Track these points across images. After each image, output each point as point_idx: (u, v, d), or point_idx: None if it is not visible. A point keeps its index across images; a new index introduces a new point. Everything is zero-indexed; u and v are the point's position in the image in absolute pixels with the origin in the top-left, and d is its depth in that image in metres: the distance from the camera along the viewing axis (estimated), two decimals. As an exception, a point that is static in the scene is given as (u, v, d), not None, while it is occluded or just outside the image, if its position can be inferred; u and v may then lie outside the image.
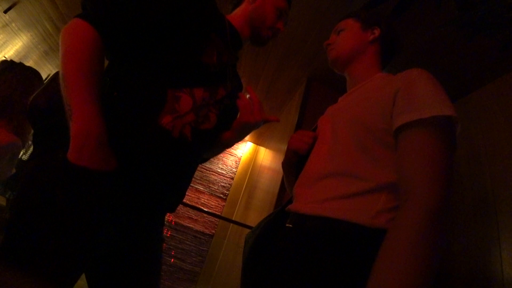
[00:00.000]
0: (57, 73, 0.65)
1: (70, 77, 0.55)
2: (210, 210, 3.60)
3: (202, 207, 3.59)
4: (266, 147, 3.48)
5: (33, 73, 1.39)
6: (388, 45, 0.87)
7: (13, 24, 2.83)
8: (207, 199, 3.71)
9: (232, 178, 3.93)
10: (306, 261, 0.60)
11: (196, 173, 3.72)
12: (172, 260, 3.29)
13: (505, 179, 1.59)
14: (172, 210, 0.76)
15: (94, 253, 0.57)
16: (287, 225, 0.71)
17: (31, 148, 2.78)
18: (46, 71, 3.45)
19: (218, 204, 3.73)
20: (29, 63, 3.29)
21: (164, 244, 3.24)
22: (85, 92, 0.55)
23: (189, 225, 3.48)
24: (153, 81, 0.65)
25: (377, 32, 0.86)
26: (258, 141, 3.99)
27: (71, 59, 0.56)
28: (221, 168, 3.91)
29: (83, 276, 0.64)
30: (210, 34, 0.75)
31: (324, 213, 0.62)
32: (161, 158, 0.63)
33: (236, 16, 0.90)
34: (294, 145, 0.82)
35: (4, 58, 2.73)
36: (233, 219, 3.44)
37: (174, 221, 3.45)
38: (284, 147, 1.18)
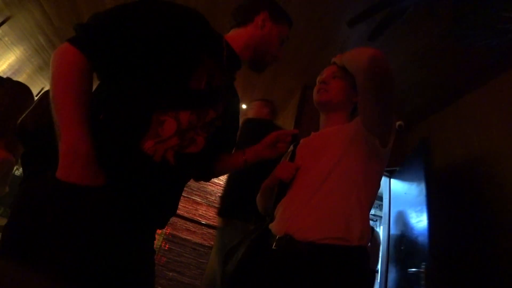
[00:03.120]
0: (44, 94, 0.67)
1: (59, 99, 0.58)
2: (208, 222, 3.55)
3: (200, 219, 3.55)
4: (263, 156, 3.46)
5: (24, 89, 1.39)
6: (356, 108, 1.08)
7: (6, 38, 2.82)
8: (205, 211, 3.66)
9: (230, 188, 3.89)
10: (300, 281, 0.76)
11: (193, 184, 3.68)
12: (171, 274, 3.23)
13: (501, 178, 1.60)
14: (162, 227, 0.77)
15: (93, 267, 0.57)
16: (273, 247, 0.83)
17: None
18: (39, 84, 3.44)
19: (216, 215, 3.68)
20: (22, 76, 3.28)
21: (164, 258, 3.20)
22: (73, 112, 0.57)
23: (187, 237, 3.42)
24: (138, 105, 0.67)
25: (356, 99, 1.06)
26: (254, 150, 3.97)
27: (59, 82, 0.59)
28: (219, 179, 3.88)
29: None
30: (200, 57, 0.75)
31: (312, 238, 0.79)
32: (143, 181, 0.65)
33: (238, 37, 0.88)
34: (281, 174, 0.96)
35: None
36: (231, 229, 3.40)
37: (172, 234, 3.39)
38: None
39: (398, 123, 2.05)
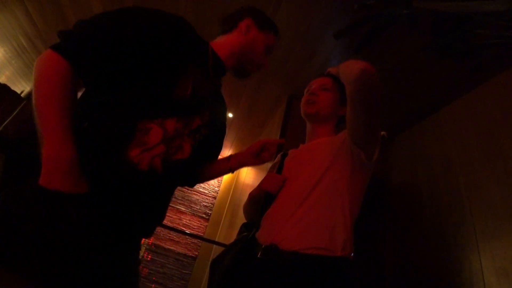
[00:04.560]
0: (25, 104, 0.65)
1: (42, 106, 0.57)
2: (192, 231, 3.48)
3: (184, 228, 3.47)
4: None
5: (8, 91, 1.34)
6: (343, 121, 1.10)
7: (-15, 40, 2.73)
8: (189, 220, 3.59)
9: (215, 198, 3.85)
10: None
11: (178, 193, 3.62)
12: (153, 285, 3.12)
13: (479, 187, 1.66)
14: (148, 236, 0.76)
15: (74, 276, 0.55)
16: (259, 256, 0.84)
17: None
18: (19, 87, 3.32)
19: (201, 224, 3.62)
20: (1, 78, 3.17)
21: (146, 269, 3.10)
22: (56, 119, 0.57)
23: (170, 247, 3.34)
24: (124, 113, 0.66)
25: (344, 111, 1.07)
26: (241, 159, 3.95)
27: (42, 89, 0.58)
28: (203, 188, 3.83)
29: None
30: (187, 66, 0.75)
31: (296, 247, 0.80)
32: (129, 190, 0.64)
33: (224, 44, 0.89)
34: (268, 186, 0.98)
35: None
36: (216, 239, 3.34)
37: (155, 244, 3.30)
38: (267, 165, 1.21)
39: (381, 133, 2.11)
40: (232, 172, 0.99)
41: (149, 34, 0.68)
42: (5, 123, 0.57)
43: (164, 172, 0.68)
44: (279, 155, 1.15)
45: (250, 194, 1.10)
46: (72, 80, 0.61)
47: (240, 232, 1.08)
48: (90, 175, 0.59)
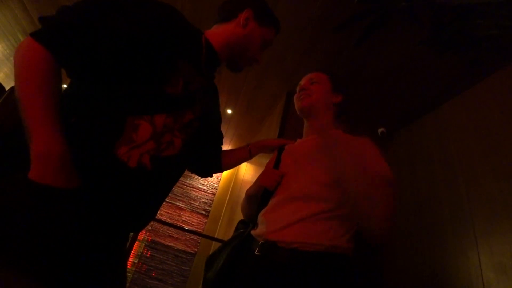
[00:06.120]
0: (5, 98, 0.63)
1: (27, 100, 0.55)
2: (191, 228, 3.49)
3: (183, 225, 3.48)
4: (248, 161, 3.47)
5: None
6: (343, 111, 1.08)
7: (-17, 36, 2.71)
8: (188, 216, 3.60)
9: (214, 194, 3.86)
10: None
11: (177, 189, 3.63)
12: (153, 282, 3.13)
13: (477, 184, 1.66)
14: (138, 230, 0.77)
15: (65, 270, 0.55)
16: (256, 253, 0.82)
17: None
18: (17, 85, 3.31)
19: (200, 221, 3.63)
20: (-1, 76, 3.15)
21: (145, 266, 3.11)
22: (43, 113, 0.55)
23: (170, 244, 3.35)
24: (112, 108, 0.64)
25: (340, 98, 1.05)
26: (240, 156, 3.95)
27: (25, 82, 0.56)
28: (202, 184, 3.83)
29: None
30: (176, 62, 0.72)
31: (295, 244, 0.78)
32: (118, 187, 0.63)
33: (219, 34, 0.86)
34: (266, 182, 0.97)
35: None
36: (215, 235, 3.35)
37: (154, 241, 3.31)
38: (266, 161, 1.20)
39: (380, 130, 2.11)
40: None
41: (138, 27, 0.65)
42: None
43: (154, 168, 0.67)
44: (275, 150, 1.15)
45: (247, 191, 1.10)
46: (57, 71, 0.58)
47: (237, 229, 1.07)
48: (79, 171, 0.57)
